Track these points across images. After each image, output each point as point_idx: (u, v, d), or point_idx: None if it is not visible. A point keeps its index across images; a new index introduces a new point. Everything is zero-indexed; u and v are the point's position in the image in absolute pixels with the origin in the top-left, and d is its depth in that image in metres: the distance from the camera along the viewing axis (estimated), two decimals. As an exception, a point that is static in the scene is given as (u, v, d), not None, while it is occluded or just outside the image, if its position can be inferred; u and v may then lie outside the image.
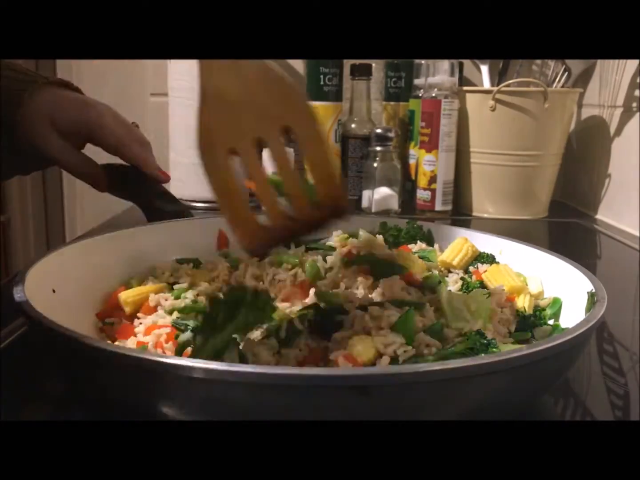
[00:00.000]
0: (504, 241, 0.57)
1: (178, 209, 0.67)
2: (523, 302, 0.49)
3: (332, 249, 0.55)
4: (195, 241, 0.59)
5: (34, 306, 0.37)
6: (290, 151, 1.07)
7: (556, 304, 0.49)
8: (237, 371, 0.29)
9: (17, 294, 0.38)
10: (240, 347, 0.37)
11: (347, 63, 1.06)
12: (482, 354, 0.37)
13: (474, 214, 1.06)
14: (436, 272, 0.54)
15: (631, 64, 0.98)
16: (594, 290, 0.43)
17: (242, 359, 0.36)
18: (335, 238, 0.58)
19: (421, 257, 0.54)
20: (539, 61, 1.18)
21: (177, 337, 0.41)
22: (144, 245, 0.56)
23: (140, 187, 0.69)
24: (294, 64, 1.21)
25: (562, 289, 0.49)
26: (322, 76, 1.00)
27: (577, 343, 0.35)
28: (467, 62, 1.18)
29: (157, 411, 0.32)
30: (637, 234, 0.93)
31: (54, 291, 0.44)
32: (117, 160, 0.67)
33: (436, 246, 0.59)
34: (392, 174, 1.01)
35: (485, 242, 0.58)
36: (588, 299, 0.43)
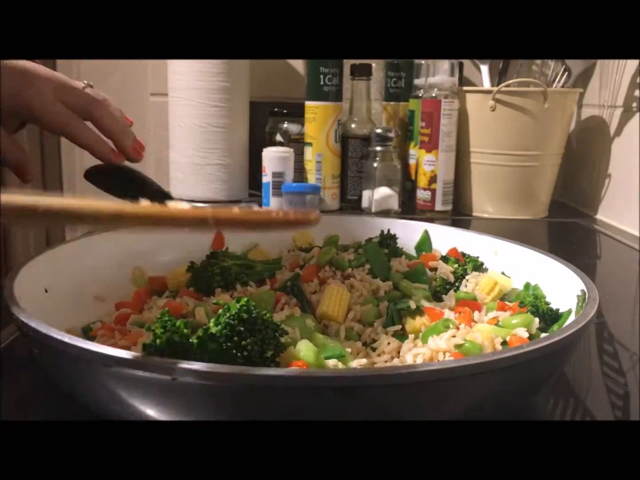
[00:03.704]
0: (499, 241, 0.57)
1: None
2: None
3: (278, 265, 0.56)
4: (190, 242, 0.59)
5: (21, 305, 0.36)
6: (290, 151, 1.07)
7: (527, 288, 0.51)
8: (221, 372, 0.29)
9: (6, 292, 0.38)
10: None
11: (347, 63, 1.06)
12: None
13: (474, 214, 1.06)
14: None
15: (631, 64, 0.98)
16: (585, 290, 0.43)
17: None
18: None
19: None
20: (539, 61, 1.18)
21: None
22: (138, 245, 0.56)
23: (137, 187, 0.69)
24: (294, 64, 1.21)
25: (556, 289, 0.49)
26: (322, 76, 1.00)
27: (567, 344, 0.35)
28: (467, 62, 1.18)
29: (143, 412, 0.32)
30: (637, 234, 0.93)
31: (46, 291, 0.44)
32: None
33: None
34: (392, 174, 1.01)
35: (481, 243, 0.58)
36: (579, 299, 0.43)
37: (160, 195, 0.68)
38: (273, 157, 1.01)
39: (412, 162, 1.10)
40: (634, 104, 0.98)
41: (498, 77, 1.11)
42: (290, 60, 1.21)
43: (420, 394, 0.31)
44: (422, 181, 1.03)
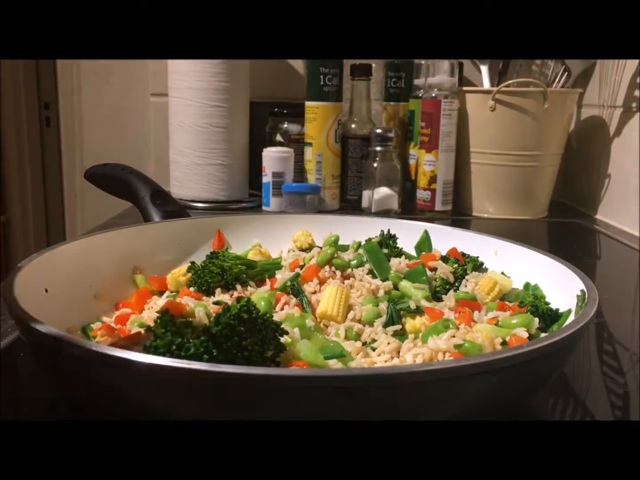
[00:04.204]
0: (499, 241, 0.57)
1: (175, 209, 0.68)
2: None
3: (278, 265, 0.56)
4: (191, 241, 0.59)
5: (21, 305, 0.36)
6: (290, 151, 1.07)
7: (527, 288, 0.51)
8: (221, 372, 0.29)
9: (6, 292, 0.38)
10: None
11: (347, 63, 1.06)
12: None
13: (474, 214, 1.06)
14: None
15: (631, 64, 0.98)
16: (585, 290, 0.43)
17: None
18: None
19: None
20: (539, 61, 1.18)
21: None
22: (138, 245, 0.56)
23: (137, 187, 0.69)
24: (294, 64, 1.21)
25: (556, 289, 0.49)
26: (322, 76, 1.00)
27: (567, 344, 0.35)
28: (467, 62, 1.18)
29: (143, 412, 0.32)
30: (637, 234, 0.93)
31: (46, 291, 0.44)
32: (108, 160, 0.67)
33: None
34: (392, 174, 1.01)
35: (481, 243, 0.58)
36: (578, 299, 0.43)
37: (159, 196, 0.69)
38: (273, 157, 1.01)
39: (412, 162, 1.10)
40: (634, 104, 0.98)
41: (498, 77, 1.11)
42: (290, 60, 1.21)
43: (420, 394, 0.31)
44: (422, 181, 1.03)
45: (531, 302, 0.47)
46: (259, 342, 0.34)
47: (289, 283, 0.50)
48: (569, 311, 0.45)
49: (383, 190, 1.01)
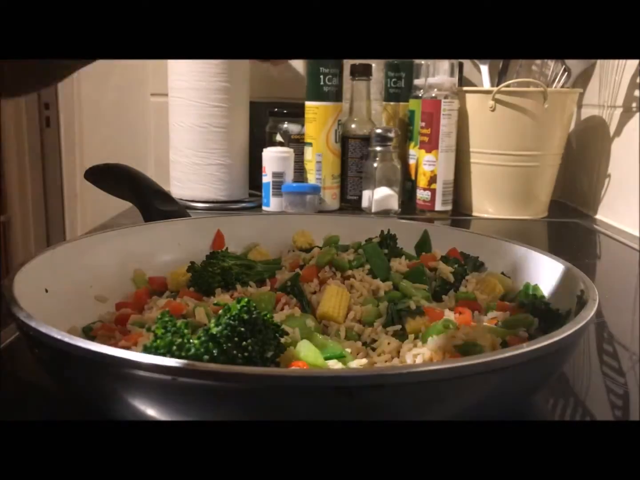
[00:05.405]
0: (498, 241, 0.57)
1: (175, 209, 0.68)
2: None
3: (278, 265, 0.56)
4: (191, 241, 0.59)
5: (21, 305, 0.36)
6: (290, 151, 1.06)
7: (527, 288, 0.51)
8: (222, 372, 0.29)
9: (6, 292, 0.38)
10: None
11: (347, 63, 1.06)
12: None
13: (474, 214, 1.06)
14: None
15: (631, 64, 0.98)
16: (585, 290, 0.43)
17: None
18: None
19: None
20: (539, 61, 1.18)
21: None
22: (138, 245, 0.56)
23: (137, 187, 0.69)
24: (294, 64, 1.21)
25: (556, 289, 0.49)
26: (322, 76, 1.00)
27: (567, 344, 0.35)
28: (467, 62, 1.18)
29: (143, 412, 0.32)
30: (637, 234, 0.93)
31: (46, 291, 0.44)
32: (108, 160, 0.67)
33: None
34: (392, 174, 1.01)
35: (481, 243, 0.58)
36: (579, 299, 0.43)
37: (159, 196, 0.68)
38: (273, 157, 1.01)
39: (412, 162, 1.10)
40: (634, 104, 0.98)
41: (498, 77, 1.11)
42: (290, 60, 1.21)
43: (420, 394, 0.31)
44: (422, 181, 1.03)
45: (531, 302, 0.47)
46: (259, 343, 0.34)
47: (289, 283, 0.50)
48: (569, 311, 0.45)
49: (383, 190, 1.01)
